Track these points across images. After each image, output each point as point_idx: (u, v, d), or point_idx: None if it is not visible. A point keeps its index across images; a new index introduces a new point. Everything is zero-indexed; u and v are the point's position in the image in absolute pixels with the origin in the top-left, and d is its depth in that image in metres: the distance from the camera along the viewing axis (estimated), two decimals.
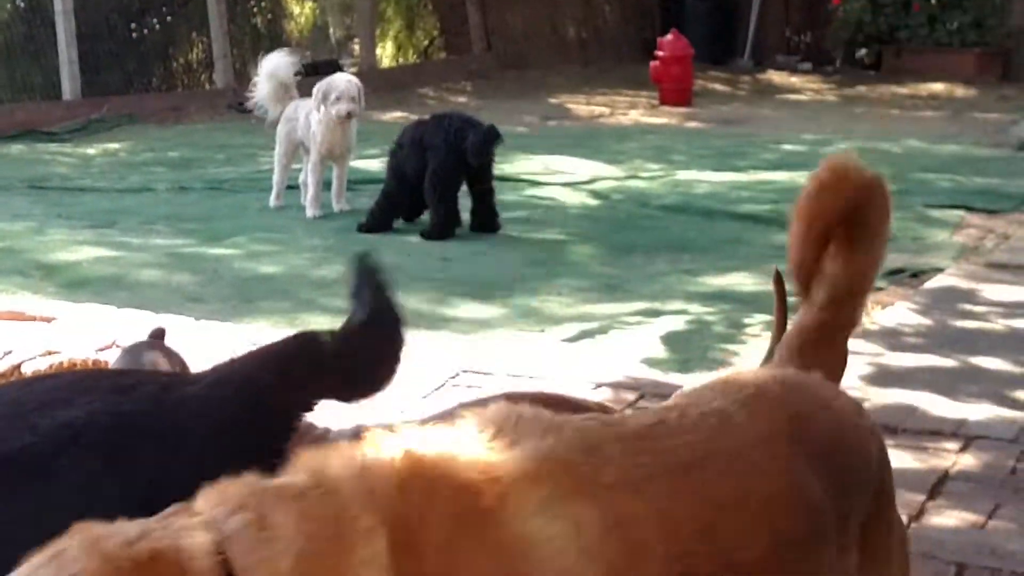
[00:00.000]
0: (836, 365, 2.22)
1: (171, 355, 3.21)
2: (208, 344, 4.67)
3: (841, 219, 2.19)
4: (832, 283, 2.19)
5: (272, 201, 8.83)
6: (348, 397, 2.40)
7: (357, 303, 2.53)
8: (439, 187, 7.81)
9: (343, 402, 2.39)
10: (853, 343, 5.01)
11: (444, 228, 7.83)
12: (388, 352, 2.47)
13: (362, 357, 2.41)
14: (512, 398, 1.89)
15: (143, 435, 2.01)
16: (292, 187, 9.00)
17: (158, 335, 3.43)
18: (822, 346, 2.19)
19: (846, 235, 2.20)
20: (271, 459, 1.70)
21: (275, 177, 8.89)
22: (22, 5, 16.08)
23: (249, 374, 2.21)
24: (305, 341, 2.43)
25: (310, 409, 2.24)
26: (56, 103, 14.88)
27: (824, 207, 2.20)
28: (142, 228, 8.12)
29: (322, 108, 8.35)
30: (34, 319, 5.18)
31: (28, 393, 2.10)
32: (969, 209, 8.33)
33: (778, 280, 2.81)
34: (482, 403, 1.92)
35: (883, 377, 4.70)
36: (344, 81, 8.46)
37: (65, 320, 5.16)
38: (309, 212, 8.52)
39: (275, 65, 8.79)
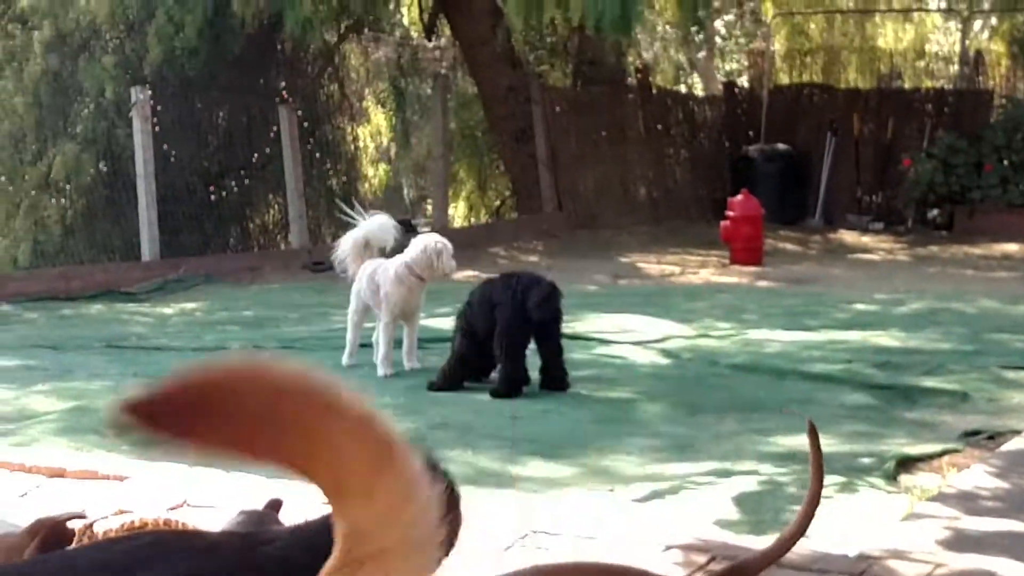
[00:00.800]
0: None
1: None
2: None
3: None
4: None
5: (345, 359, 8.87)
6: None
7: None
8: (506, 345, 7.84)
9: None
10: (929, 507, 4.95)
11: (512, 386, 7.84)
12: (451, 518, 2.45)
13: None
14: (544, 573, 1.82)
15: None
16: (365, 345, 9.07)
17: (274, 506, 3.41)
18: None
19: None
20: None
21: (348, 336, 8.95)
22: (105, 170, 16.52)
23: (324, 537, 2.20)
24: None
25: None
26: (135, 264, 15.18)
27: None
28: None
29: (394, 269, 8.45)
30: (107, 478, 5.22)
31: (108, 555, 2.11)
32: None
33: (813, 432, 2.73)
34: None
35: (959, 542, 4.60)
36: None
37: (137, 479, 5.20)
38: (380, 371, 8.56)
39: (375, 228, 8.76)
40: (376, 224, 8.81)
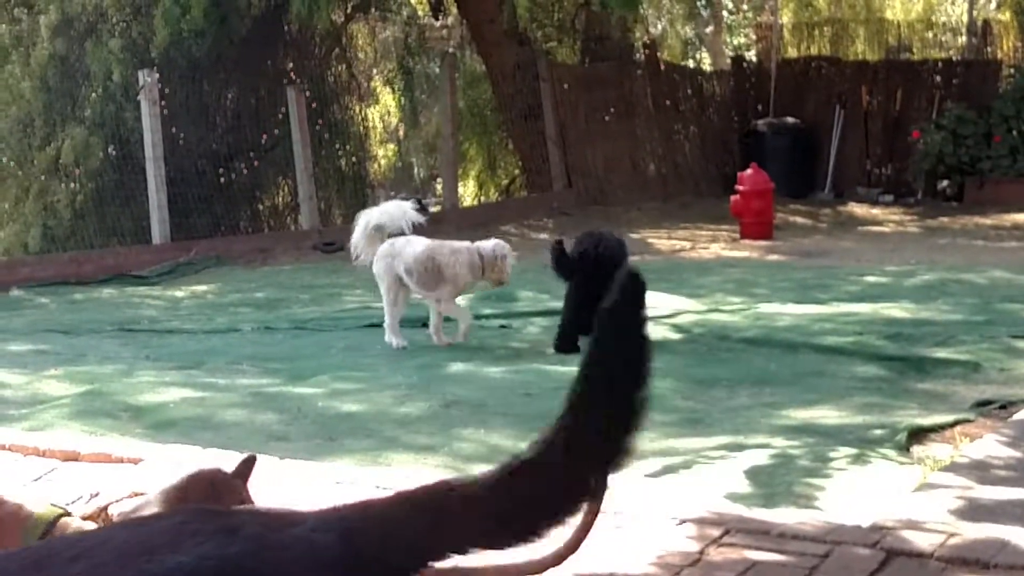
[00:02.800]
0: None
1: None
2: (293, 483, 4.70)
3: None
4: None
5: (395, 342, 8.68)
6: (499, 544, 2.20)
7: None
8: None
9: (496, 549, 2.21)
10: (942, 477, 4.95)
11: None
12: (569, 495, 2.19)
13: (519, 500, 2.14)
14: None
15: None
16: (375, 325, 9.08)
17: (247, 466, 3.48)
18: None
19: None
20: None
21: (389, 319, 8.74)
22: (113, 153, 16.53)
23: (352, 523, 2.18)
24: (431, 493, 2.26)
25: (424, 564, 2.15)
26: (146, 247, 15.21)
27: None
28: (228, 368, 8.21)
29: (468, 254, 8.54)
30: (121, 460, 5.23)
31: (133, 536, 2.11)
32: None
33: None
34: None
35: (973, 511, 4.60)
36: None
37: (151, 461, 5.21)
38: (436, 341, 8.65)
39: (390, 216, 8.71)
40: (392, 207, 8.81)
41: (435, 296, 8.64)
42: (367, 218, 8.75)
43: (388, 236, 8.70)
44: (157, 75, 15.42)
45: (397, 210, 8.75)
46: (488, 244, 8.66)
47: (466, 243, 8.72)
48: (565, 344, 8.28)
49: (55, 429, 6.24)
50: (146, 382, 7.67)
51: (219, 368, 8.23)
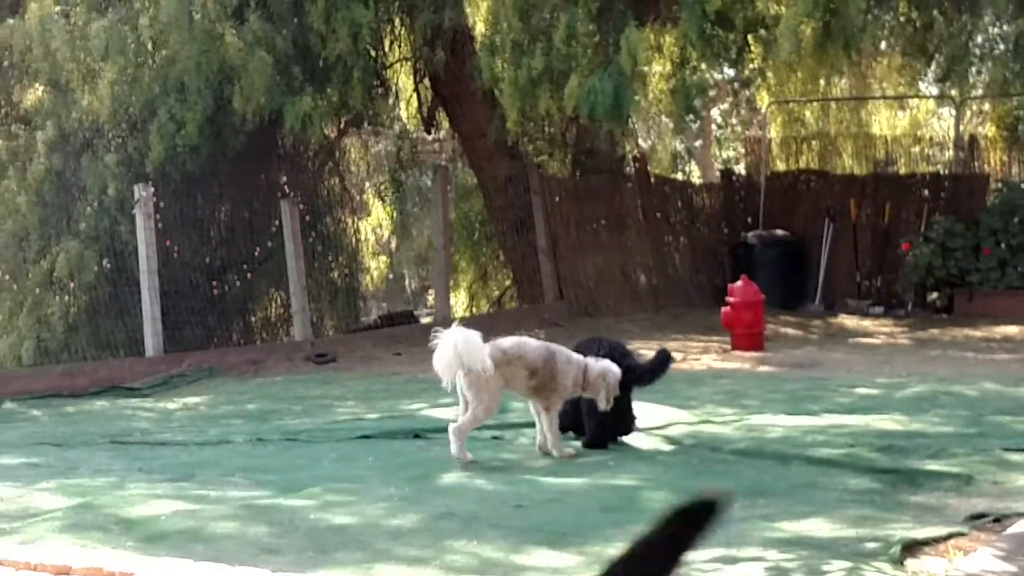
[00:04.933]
0: None
1: None
2: None
3: None
4: None
5: (464, 456, 8.39)
6: None
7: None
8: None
9: None
10: None
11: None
12: None
13: None
14: None
15: None
16: (367, 436, 9.07)
17: None
18: None
19: None
20: None
21: (471, 428, 8.54)
22: (108, 266, 16.62)
23: None
24: None
25: None
26: (139, 359, 15.22)
27: None
28: (220, 480, 8.19)
29: (578, 369, 8.54)
30: (113, 574, 5.22)
31: None
32: None
33: None
34: None
35: None
36: None
37: (143, 575, 5.20)
38: (557, 453, 8.55)
39: (465, 349, 8.28)
40: (463, 342, 8.33)
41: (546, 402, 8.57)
42: (450, 351, 8.24)
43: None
44: (152, 189, 15.55)
45: (471, 347, 8.32)
46: (600, 367, 8.58)
47: (577, 356, 8.67)
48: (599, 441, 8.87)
49: (47, 542, 6.22)
50: (138, 495, 7.65)
51: (211, 480, 8.21)
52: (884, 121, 25.50)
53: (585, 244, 19.85)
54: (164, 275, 15.64)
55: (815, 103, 24.10)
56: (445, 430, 8.86)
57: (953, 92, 21.25)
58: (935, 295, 18.86)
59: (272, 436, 10.01)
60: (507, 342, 8.63)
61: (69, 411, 12.56)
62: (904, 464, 7.82)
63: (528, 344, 8.64)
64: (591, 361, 8.63)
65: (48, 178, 17.19)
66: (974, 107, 23.73)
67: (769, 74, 21.13)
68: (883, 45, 20.58)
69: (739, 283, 15.55)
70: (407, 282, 27.44)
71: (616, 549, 6.25)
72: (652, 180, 21.65)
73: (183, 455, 9.37)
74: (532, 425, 9.22)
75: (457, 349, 8.25)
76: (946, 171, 21.30)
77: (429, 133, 21.58)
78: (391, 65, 19.94)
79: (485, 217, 21.51)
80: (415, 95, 21.00)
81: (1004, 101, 21.36)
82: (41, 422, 12.02)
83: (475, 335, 8.42)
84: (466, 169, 21.75)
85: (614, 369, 8.62)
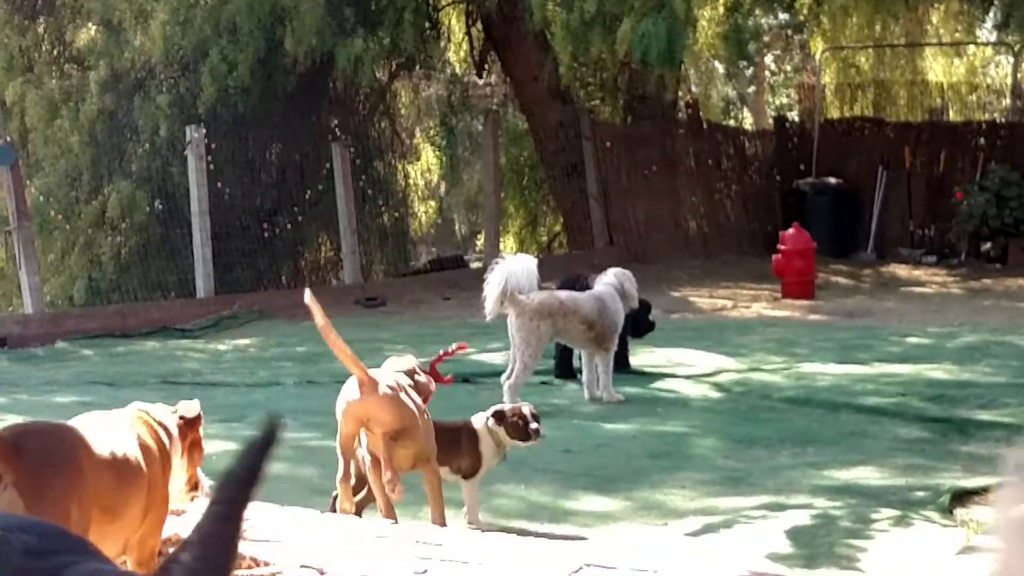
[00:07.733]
0: None
1: None
2: (333, 536, 4.71)
3: None
4: None
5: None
6: None
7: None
8: None
9: None
10: (986, 540, 4.90)
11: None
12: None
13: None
14: None
15: None
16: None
17: None
18: None
19: None
20: None
21: (525, 375, 8.44)
22: (159, 207, 16.71)
23: None
24: None
25: None
26: (189, 300, 15.31)
27: None
28: None
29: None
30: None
31: None
32: None
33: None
34: None
35: None
36: None
37: (193, 514, 5.23)
38: (607, 397, 8.59)
39: (518, 275, 8.22)
40: (519, 268, 8.30)
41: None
42: (501, 279, 8.15)
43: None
44: (204, 131, 15.58)
45: (524, 271, 8.28)
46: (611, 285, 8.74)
47: (608, 291, 8.73)
48: (563, 371, 9.42)
49: None
50: None
51: (261, 421, 8.24)
52: (940, 68, 25.16)
53: (636, 190, 19.76)
54: (215, 217, 15.68)
55: (870, 49, 23.80)
56: (494, 375, 8.89)
57: (1011, 39, 20.92)
58: (988, 244, 18.66)
59: (322, 378, 10.05)
60: (564, 293, 8.61)
61: (120, 351, 12.66)
62: (954, 414, 7.77)
63: (580, 298, 8.59)
64: (606, 289, 8.64)
65: (100, 118, 17.27)
66: None
67: (823, 19, 20.89)
68: None
69: (791, 231, 15.44)
70: (456, 227, 27.44)
71: (663, 495, 6.28)
72: (704, 126, 21.51)
73: (233, 396, 9.43)
74: (580, 371, 9.22)
75: (509, 267, 8.21)
76: (1003, 119, 21.03)
77: (480, 77, 21.50)
78: (443, 8, 19.87)
79: (535, 162, 21.44)
80: (467, 38, 20.92)
81: None
82: (93, 362, 12.12)
83: (532, 261, 8.41)
84: (517, 114, 21.66)
85: (628, 275, 8.82)
